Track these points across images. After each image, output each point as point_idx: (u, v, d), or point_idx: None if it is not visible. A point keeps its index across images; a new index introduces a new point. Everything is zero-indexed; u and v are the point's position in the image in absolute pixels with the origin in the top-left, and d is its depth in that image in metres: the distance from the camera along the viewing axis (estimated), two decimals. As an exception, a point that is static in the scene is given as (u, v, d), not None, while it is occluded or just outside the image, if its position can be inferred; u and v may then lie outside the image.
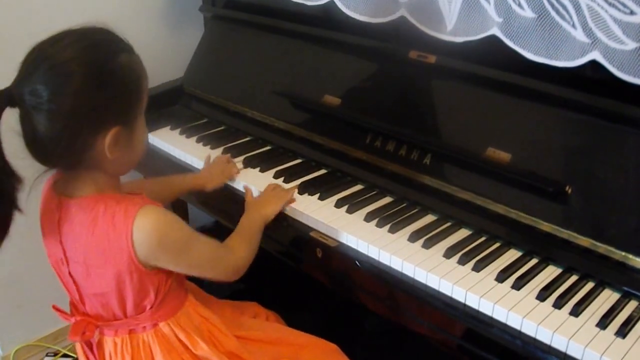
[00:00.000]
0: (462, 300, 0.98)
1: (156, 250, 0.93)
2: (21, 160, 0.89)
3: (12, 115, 0.88)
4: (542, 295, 0.96)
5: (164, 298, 1.00)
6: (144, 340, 1.01)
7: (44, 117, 0.85)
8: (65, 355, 1.84)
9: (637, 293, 0.96)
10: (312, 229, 1.18)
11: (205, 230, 1.00)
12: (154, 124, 1.58)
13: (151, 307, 0.99)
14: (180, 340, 1.03)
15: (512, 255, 1.07)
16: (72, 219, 0.94)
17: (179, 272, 1.01)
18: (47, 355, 1.84)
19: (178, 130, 1.58)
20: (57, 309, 1.05)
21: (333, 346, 1.21)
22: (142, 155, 1.00)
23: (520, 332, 0.92)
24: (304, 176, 1.33)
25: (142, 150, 0.99)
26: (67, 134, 0.86)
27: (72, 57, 0.85)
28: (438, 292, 1.01)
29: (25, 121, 0.87)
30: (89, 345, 1.04)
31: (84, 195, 0.94)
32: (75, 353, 1.80)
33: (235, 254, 1.09)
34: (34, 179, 0.93)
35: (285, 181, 1.31)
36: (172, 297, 1.02)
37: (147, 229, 0.91)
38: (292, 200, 1.23)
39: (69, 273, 0.98)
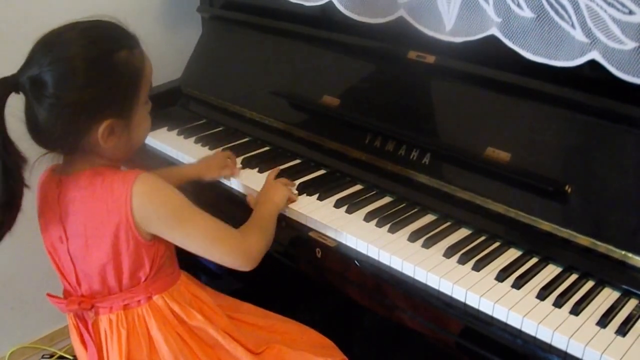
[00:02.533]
0: (462, 299, 0.98)
1: (154, 215, 0.96)
2: (25, 142, 0.94)
3: (18, 100, 0.93)
4: (542, 294, 0.96)
5: (158, 271, 1.02)
6: (138, 314, 1.03)
7: (42, 107, 0.90)
8: (61, 357, 1.83)
9: (637, 292, 0.97)
10: (311, 229, 1.18)
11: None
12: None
13: (145, 279, 1.01)
14: (174, 313, 1.04)
15: (512, 254, 1.07)
16: (72, 193, 0.97)
17: (178, 243, 1.01)
18: (42, 357, 1.83)
19: (176, 131, 1.57)
20: (51, 295, 1.06)
21: (328, 341, 1.21)
22: (141, 142, 1.04)
23: (520, 331, 0.92)
24: (303, 176, 1.33)
25: (141, 138, 1.04)
26: (62, 123, 0.91)
27: (74, 54, 0.90)
28: (438, 291, 1.01)
29: (27, 108, 0.92)
30: (85, 325, 1.05)
31: (83, 170, 0.98)
32: (72, 354, 1.81)
33: (245, 238, 1.05)
34: (35, 160, 0.97)
35: (284, 181, 1.31)
36: (166, 272, 1.04)
37: (145, 193, 0.95)
38: (293, 198, 1.23)
39: (68, 251, 1.00)
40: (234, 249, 1.03)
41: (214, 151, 1.46)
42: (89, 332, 1.04)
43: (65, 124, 0.91)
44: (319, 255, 1.15)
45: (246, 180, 1.32)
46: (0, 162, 0.89)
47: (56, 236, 1.00)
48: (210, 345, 1.07)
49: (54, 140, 0.94)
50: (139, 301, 1.03)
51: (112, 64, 0.93)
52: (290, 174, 1.33)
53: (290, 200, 1.22)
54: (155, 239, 0.99)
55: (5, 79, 0.91)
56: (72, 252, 1.00)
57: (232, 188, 1.34)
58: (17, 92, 0.92)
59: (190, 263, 1.06)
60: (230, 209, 1.25)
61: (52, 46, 0.91)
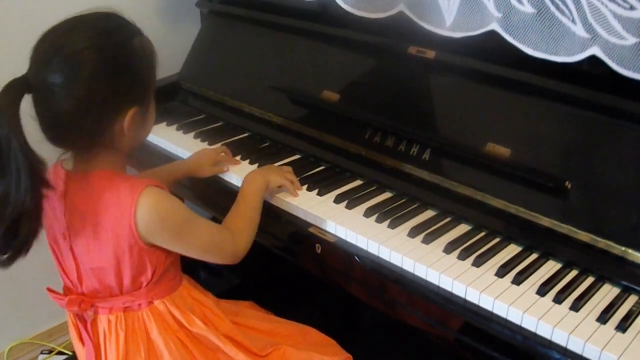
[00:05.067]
0: (462, 295, 0.98)
1: (156, 228, 0.95)
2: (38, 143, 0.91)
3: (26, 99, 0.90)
4: (542, 290, 0.96)
5: (161, 277, 1.02)
6: (138, 318, 1.02)
7: (65, 104, 0.88)
8: (60, 353, 1.83)
9: (636, 288, 0.97)
10: (311, 225, 1.17)
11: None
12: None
13: (147, 284, 1.01)
14: (175, 318, 1.04)
15: (512, 250, 1.07)
16: (78, 193, 0.96)
17: (177, 252, 1.03)
18: (41, 352, 1.83)
19: (175, 127, 1.57)
20: (51, 290, 1.06)
21: (330, 340, 1.21)
22: (149, 133, 1.05)
23: (520, 327, 0.92)
24: (302, 172, 1.32)
25: (150, 128, 1.04)
26: (90, 119, 0.90)
27: (88, 45, 0.88)
28: (438, 287, 1.01)
29: (44, 106, 0.90)
30: (84, 324, 1.04)
31: (92, 171, 0.96)
32: (71, 350, 1.80)
33: (235, 239, 1.08)
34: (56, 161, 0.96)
35: (283, 177, 1.31)
36: (169, 277, 1.04)
37: (150, 206, 0.94)
38: (299, 184, 1.25)
39: (70, 248, 0.99)
40: (227, 254, 1.07)
41: (212, 147, 1.45)
42: (87, 331, 1.04)
43: (95, 117, 0.90)
44: (318, 251, 1.15)
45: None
46: (27, 165, 0.85)
47: (59, 232, 0.99)
48: (211, 349, 1.07)
49: (78, 137, 0.92)
50: (139, 305, 1.02)
51: (130, 52, 0.93)
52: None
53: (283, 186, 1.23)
54: (158, 246, 0.99)
55: (18, 79, 0.88)
56: (75, 250, 0.99)
57: (230, 183, 1.34)
58: (30, 92, 0.89)
59: (189, 261, 1.06)
60: (228, 203, 1.24)
61: (64, 42, 0.88)
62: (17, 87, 0.87)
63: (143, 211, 0.93)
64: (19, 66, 0.90)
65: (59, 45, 0.88)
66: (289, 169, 1.28)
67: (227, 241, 1.07)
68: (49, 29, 0.91)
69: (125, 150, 1.00)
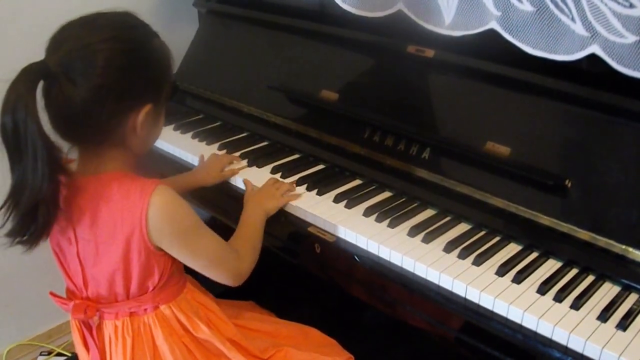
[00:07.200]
0: (462, 294, 0.98)
1: (166, 229, 0.94)
2: None
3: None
4: (543, 289, 0.96)
5: (167, 281, 1.00)
6: (144, 323, 1.01)
7: (81, 92, 0.86)
8: (59, 354, 1.82)
9: (637, 286, 0.97)
10: (310, 224, 1.17)
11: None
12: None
13: (153, 289, 0.99)
14: (181, 323, 1.03)
15: (512, 249, 1.07)
16: (85, 197, 0.94)
17: (183, 260, 1.01)
18: (40, 354, 1.82)
19: (172, 127, 1.56)
20: (54, 295, 1.04)
21: (331, 340, 1.21)
22: (158, 137, 1.04)
23: (521, 326, 0.92)
24: (301, 171, 1.32)
25: (159, 132, 1.03)
26: (104, 111, 0.88)
27: (108, 37, 0.88)
28: (438, 286, 1.01)
29: (58, 95, 0.86)
30: (89, 329, 1.03)
31: (103, 173, 0.95)
32: (70, 351, 1.80)
33: (240, 259, 1.07)
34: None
35: (282, 176, 1.30)
36: (174, 281, 1.03)
37: (161, 204, 0.92)
38: (296, 196, 1.23)
39: (77, 253, 0.97)
40: (230, 272, 1.05)
41: (210, 147, 1.45)
42: (92, 337, 1.03)
43: (109, 109, 0.88)
44: (318, 251, 1.14)
45: (244, 176, 1.31)
46: (45, 150, 0.83)
47: (64, 237, 0.97)
48: (215, 354, 1.07)
49: (91, 129, 0.90)
50: (145, 309, 1.01)
51: (149, 48, 0.93)
52: (289, 168, 1.32)
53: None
54: (165, 251, 0.97)
55: (35, 64, 0.86)
56: (81, 255, 0.97)
57: (230, 183, 1.34)
58: (46, 79, 0.86)
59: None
60: (228, 202, 1.24)
61: (84, 32, 0.87)
62: (35, 72, 0.85)
63: (155, 210, 0.91)
64: (19, 67, 0.88)
65: (79, 35, 0.87)
66: (280, 184, 1.25)
67: (232, 259, 1.05)
68: (67, 22, 0.89)
69: (135, 151, 0.98)
